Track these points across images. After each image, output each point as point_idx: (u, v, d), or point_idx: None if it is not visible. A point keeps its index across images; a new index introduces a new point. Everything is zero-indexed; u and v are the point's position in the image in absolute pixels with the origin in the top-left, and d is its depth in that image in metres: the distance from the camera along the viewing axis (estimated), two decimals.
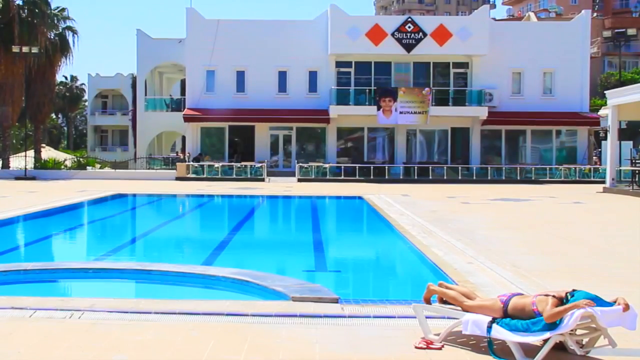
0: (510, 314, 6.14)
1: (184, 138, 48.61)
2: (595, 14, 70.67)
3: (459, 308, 6.53)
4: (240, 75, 42.72)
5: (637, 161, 31.95)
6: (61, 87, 76.44)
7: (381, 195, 26.23)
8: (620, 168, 34.98)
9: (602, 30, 63.92)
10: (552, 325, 5.75)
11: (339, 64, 42.58)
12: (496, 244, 13.12)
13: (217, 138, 43.56)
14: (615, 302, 5.85)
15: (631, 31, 49.70)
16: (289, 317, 7.30)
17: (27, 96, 45.39)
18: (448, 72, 43.19)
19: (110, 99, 72.00)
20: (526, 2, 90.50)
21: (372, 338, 6.62)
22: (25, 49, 39.47)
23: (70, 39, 47.82)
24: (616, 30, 51.79)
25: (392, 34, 41.40)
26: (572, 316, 5.64)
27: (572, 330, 5.80)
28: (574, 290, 6.00)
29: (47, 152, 50.05)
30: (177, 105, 49.44)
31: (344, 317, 7.36)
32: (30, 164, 41.53)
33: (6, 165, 43.28)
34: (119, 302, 7.83)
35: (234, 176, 38.98)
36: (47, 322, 7.06)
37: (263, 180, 38.01)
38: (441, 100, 41.99)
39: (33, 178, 38.36)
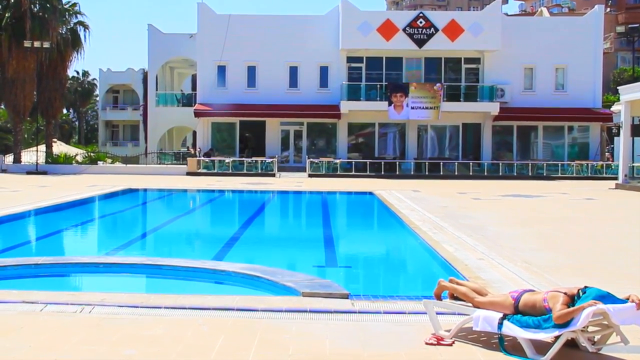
0: (522, 311, 6.11)
1: (194, 133, 48.67)
2: (608, 9, 70.31)
3: (470, 304, 6.50)
4: (251, 71, 42.73)
5: None
6: (73, 82, 76.60)
7: (392, 191, 26.17)
8: (633, 164, 34.73)
9: (615, 26, 63.53)
10: (564, 323, 5.71)
11: (350, 59, 42.51)
12: (507, 240, 13.06)
13: (228, 133, 43.60)
14: (627, 299, 5.81)
15: None
16: (299, 313, 7.29)
17: (39, 91, 45.51)
18: (459, 67, 43.05)
19: (122, 94, 72.15)
20: None
21: (383, 334, 6.59)
22: (36, 44, 39.58)
23: (81, 34, 47.87)
24: (629, 26, 51.49)
25: (404, 30, 41.27)
26: (584, 313, 5.60)
27: (583, 328, 5.75)
28: (585, 287, 5.96)
29: (59, 147, 50.19)
30: (188, 100, 49.48)
31: (355, 312, 7.35)
32: (42, 159, 41.70)
33: (18, 160, 43.45)
34: (129, 297, 7.84)
35: (245, 171, 38.99)
36: (58, 317, 7.08)
37: (274, 175, 38.03)
38: (452, 95, 41.85)
39: (44, 173, 38.52)
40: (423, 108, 40.34)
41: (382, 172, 39.06)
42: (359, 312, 7.35)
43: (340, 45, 41.45)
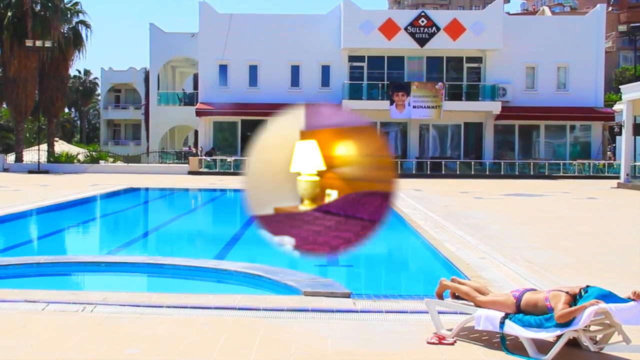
0: (523, 310, 6.10)
1: (196, 132, 48.69)
2: (610, 8, 70.17)
3: (472, 303, 6.49)
4: (253, 70, 42.72)
5: None
6: (74, 81, 76.58)
7: None
8: (635, 164, 34.75)
9: (617, 25, 63.46)
10: (566, 322, 5.71)
11: (351, 59, 42.49)
12: (509, 240, 13.05)
13: (230, 132, 43.59)
14: (630, 298, 5.78)
15: None
16: (301, 312, 7.28)
17: (41, 90, 45.51)
18: (461, 66, 43.03)
19: (123, 93, 72.13)
20: None
21: (384, 333, 6.59)
22: (38, 43, 39.59)
23: (83, 33, 47.82)
24: (631, 25, 51.42)
25: (405, 29, 41.25)
26: (586, 313, 5.59)
27: (585, 327, 5.74)
28: (587, 286, 5.95)
29: (60, 146, 50.19)
30: (189, 99, 49.51)
31: (356, 312, 7.34)
32: (44, 158, 41.74)
33: (19, 159, 43.48)
34: (131, 296, 7.83)
35: None
36: (60, 315, 7.08)
37: None
38: (454, 95, 41.84)
39: (46, 172, 38.54)
40: (425, 107, 40.32)
41: None
42: (361, 312, 7.34)
43: (341, 44, 41.44)
